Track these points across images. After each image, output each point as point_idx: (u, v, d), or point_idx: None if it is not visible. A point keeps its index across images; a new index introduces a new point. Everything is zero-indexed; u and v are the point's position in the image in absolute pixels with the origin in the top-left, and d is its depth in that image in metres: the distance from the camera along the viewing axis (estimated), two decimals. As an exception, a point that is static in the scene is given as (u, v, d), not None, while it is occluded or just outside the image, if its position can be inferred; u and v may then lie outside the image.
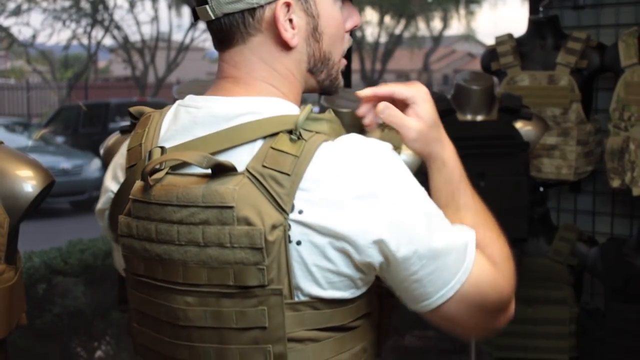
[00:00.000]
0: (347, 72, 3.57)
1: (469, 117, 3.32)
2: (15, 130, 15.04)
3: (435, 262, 1.33)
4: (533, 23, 3.82)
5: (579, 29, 3.77)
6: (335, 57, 1.47)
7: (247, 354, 1.34)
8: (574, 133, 3.61)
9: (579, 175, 3.68)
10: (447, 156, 1.53)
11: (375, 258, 1.31)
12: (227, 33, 1.41)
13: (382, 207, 1.31)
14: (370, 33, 21.90)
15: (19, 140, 13.57)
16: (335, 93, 1.53)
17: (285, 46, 1.40)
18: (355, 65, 21.24)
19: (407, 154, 2.97)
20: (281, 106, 1.39)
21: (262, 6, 1.37)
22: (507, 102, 3.33)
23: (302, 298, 1.33)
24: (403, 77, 30.04)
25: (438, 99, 3.35)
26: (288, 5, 1.37)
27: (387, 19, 21.43)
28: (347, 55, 3.69)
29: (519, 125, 3.29)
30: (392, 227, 1.30)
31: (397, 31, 22.19)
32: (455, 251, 1.36)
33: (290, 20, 1.38)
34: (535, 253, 3.62)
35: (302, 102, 1.48)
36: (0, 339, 2.24)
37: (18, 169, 2.26)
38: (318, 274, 1.32)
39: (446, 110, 3.30)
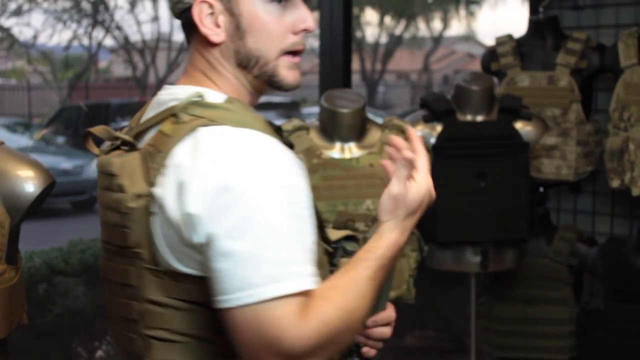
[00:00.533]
0: (346, 73, 3.57)
1: (469, 118, 3.32)
2: (16, 130, 15.05)
3: (235, 263, 1.35)
4: (533, 24, 3.82)
5: (578, 30, 3.77)
6: (267, 54, 1.53)
7: (125, 308, 1.52)
8: (574, 133, 3.61)
9: (579, 176, 3.68)
10: (391, 238, 1.55)
11: (197, 239, 1.38)
12: (184, 30, 1.58)
13: (217, 194, 1.37)
14: (371, 33, 21.94)
15: (20, 140, 13.58)
16: (289, 90, 1.59)
17: (209, 42, 1.53)
18: (356, 65, 21.24)
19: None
20: (202, 94, 1.50)
21: (192, 5, 1.52)
22: (507, 103, 3.33)
23: (164, 267, 1.45)
24: (403, 77, 30.03)
25: (438, 99, 3.36)
26: (210, 5, 1.51)
27: (388, 19, 21.44)
28: (346, 56, 3.70)
29: (518, 125, 3.29)
30: (218, 214, 1.36)
31: (398, 32, 22.20)
32: (264, 267, 1.35)
33: (217, 18, 1.52)
34: (535, 253, 3.62)
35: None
36: (1, 338, 2.24)
37: (19, 169, 2.26)
38: (172, 247, 1.43)
39: (446, 111, 3.30)
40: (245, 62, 1.54)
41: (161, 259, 1.45)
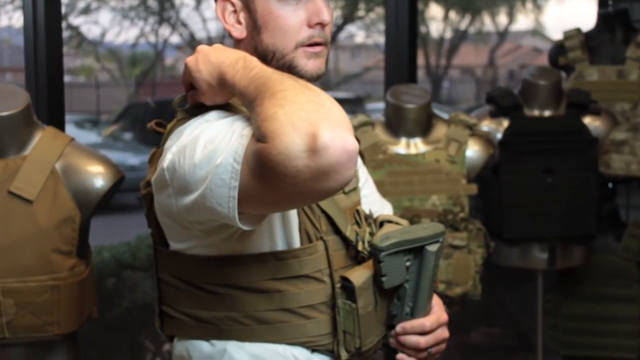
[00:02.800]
0: (412, 68, 3.56)
1: (536, 113, 3.30)
2: (85, 127, 15.27)
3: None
4: (602, 17, 3.78)
5: (649, 23, 3.72)
6: (282, 48, 1.58)
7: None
8: (644, 129, 3.56)
9: (649, 171, 3.63)
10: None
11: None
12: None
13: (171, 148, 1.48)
14: (435, 29, 21.79)
15: (89, 136, 13.78)
16: (314, 80, 1.59)
17: (234, 38, 1.63)
18: (420, 60, 21.16)
19: (472, 149, 2.96)
20: None
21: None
22: (575, 98, 3.30)
23: (170, 249, 1.61)
24: (468, 72, 29.82)
25: (505, 94, 3.34)
26: (231, 3, 1.61)
27: (452, 14, 21.30)
28: (412, 51, 3.69)
29: (587, 120, 3.26)
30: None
31: (462, 26, 22.03)
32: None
33: (239, 16, 1.61)
34: (604, 250, 3.59)
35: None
36: (72, 331, 2.28)
37: (89, 165, 2.30)
38: (166, 228, 1.58)
39: (513, 106, 3.28)
40: (264, 56, 1.58)
41: (170, 242, 1.62)
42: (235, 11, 1.61)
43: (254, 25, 1.60)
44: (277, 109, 1.28)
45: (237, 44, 1.64)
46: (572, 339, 3.63)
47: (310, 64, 1.60)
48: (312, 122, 1.26)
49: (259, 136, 1.28)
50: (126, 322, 4.32)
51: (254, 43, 1.60)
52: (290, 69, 1.58)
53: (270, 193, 1.32)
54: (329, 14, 1.59)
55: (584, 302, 3.60)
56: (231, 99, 1.51)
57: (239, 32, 1.62)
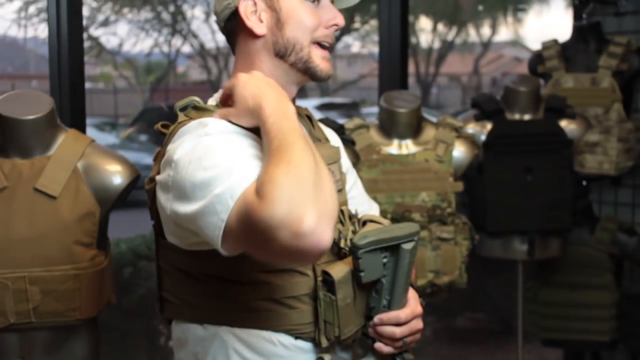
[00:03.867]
0: (403, 75, 3.56)
1: (517, 117, 3.30)
2: (104, 129, 15.25)
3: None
4: (577, 29, 3.77)
5: (619, 34, 3.71)
6: (302, 41, 1.63)
7: None
8: (615, 131, 3.56)
9: (620, 170, 3.62)
10: (267, 111, 1.45)
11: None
12: (228, 40, 1.71)
13: (170, 160, 1.49)
14: (425, 39, 21.76)
15: (108, 138, 13.77)
16: (324, 80, 1.67)
17: (253, 35, 1.63)
18: (411, 69, 21.12)
19: (459, 150, 2.96)
20: (198, 100, 1.64)
21: (237, 7, 1.64)
22: (552, 103, 3.30)
23: (168, 241, 1.60)
24: (454, 79, 29.79)
25: (488, 99, 3.34)
26: (254, 3, 1.63)
27: (440, 26, 21.27)
28: (403, 60, 3.68)
29: (563, 123, 3.26)
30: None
31: (449, 37, 22.00)
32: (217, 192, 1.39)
33: (260, 15, 1.63)
34: (578, 242, 3.58)
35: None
36: (92, 316, 2.29)
37: (108, 164, 2.30)
38: (163, 223, 1.58)
39: (496, 110, 3.28)
40: (282, 51, 1.63)
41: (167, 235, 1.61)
42: (255, 11, 1.64)
43: (277, 22, 1.63)
44: (285, 179, 1.28)
45: (254, 40, 1.65)
46: (549, 323, 3.63)
47: (323, 64, 1.65)
48: (305, 206, 1.26)
49: (258, 188, 1.30)
50: (142, 308, 4.32)
51: (274, 39, 1.63)
52: (306, 63, 1.64)
53: (247, 239, 1.34)
54: (343, 20, 1.66)
55: (560, 289, 3.60)
56: (254, 126, 1.49)
57: (260, 29, 1.64)
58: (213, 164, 1.40)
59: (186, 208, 1.42)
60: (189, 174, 1.42)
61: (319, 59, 1.64)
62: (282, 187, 1.27)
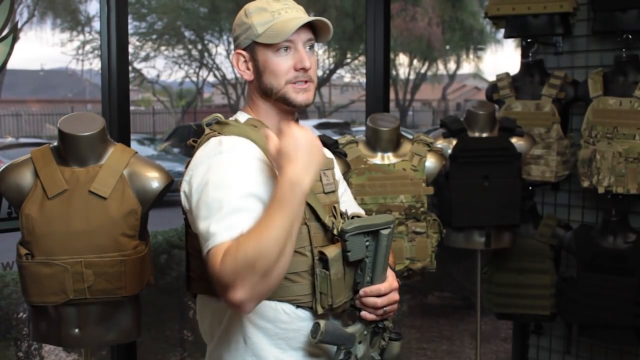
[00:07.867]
0: (385, 101, 3.56)
1: (476, 134, 3.30)
2: (145, 143, 15.26)
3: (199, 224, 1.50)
4: (524, 65, 3.77)
5: (558, 69, 3.72)
6: (277, 86, 1.64)
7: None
8: (555, 146, 3.56)
9: (558, 178, 3.62)
10: (282, 182, 1.45)
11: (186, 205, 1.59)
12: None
13: (192, 177, 1.56)
14: (402, 72, 21.77)
15: (147, 150, 13.79)
16: (304, 108, 1.69)
17: (245, 80, 1.69)
18: (392, 95, 21.11)
19: (430, 161, 2.96)
20: (237, 116, 1.70)
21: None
22: (505, 123, 3.30)
23: (193, 231, 1.58)
24: (427, 104, 29.76)
25: (454, 120, 3.34)
26: (242, 55, 1.67)
27: (415, 61, 21.28)
28: (385, 88, 3.68)
29: (514, 140, 3.26)
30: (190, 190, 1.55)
31: (423, 70, 22.04)
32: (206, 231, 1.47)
33: (248, 65, 1.67)
34: (525, 235, 3.59)
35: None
36: (135, 294, 2.28)
37: (148, 171, 2.30)
38: (188, 217, 1.60)
39: (459, 129, 3.28)
40: (267, 92, 1.65)
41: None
42: (245, 61, 1.67)
43: (257, 70, 1.65)
44: (245, 257, 1.36)
45: (249, 84, 1.70)
46: (502, 300, 3.63)
47: (299, 96, 1.65)
48: (243, 286, 1.37)
49: (229, 248, 1.39)
50: (175, 287, 4.31)
51: (258, 83, 1.66)
52: (285, 99, 1.64)
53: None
54: (310, 62, 1.64)
55: (511, 273, 3.60)
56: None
57: (248, 75, 1.68)
58: (220, 185, 1.50)
59: (193, 216, 1.53)
60: (203, 194, 1.50)
61: (294, 94, 1.64)
62: (237, 261, 1.36)
